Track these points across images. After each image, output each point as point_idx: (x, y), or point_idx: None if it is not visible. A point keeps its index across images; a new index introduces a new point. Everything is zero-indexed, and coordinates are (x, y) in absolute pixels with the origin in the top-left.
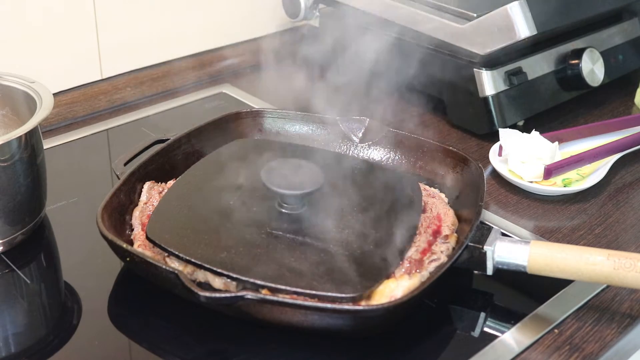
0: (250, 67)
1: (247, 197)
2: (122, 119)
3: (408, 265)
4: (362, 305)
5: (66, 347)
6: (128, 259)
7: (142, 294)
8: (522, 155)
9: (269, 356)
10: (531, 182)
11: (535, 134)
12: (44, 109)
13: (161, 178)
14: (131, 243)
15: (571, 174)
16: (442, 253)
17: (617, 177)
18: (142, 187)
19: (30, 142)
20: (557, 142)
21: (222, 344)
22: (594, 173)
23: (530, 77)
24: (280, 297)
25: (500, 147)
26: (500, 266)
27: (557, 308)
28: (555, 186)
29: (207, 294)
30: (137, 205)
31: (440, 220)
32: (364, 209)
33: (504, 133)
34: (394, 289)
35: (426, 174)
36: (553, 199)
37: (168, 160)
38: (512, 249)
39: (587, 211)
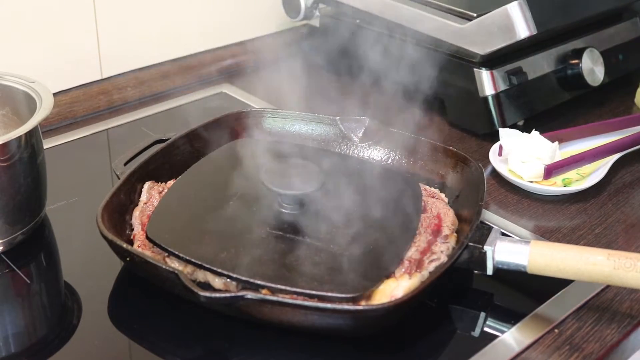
0: (250, 67)
1: (247, 197)
2: (122, 119)
3: (408, 265)
4: (362, 305)
5: (66, 347)
6: (128, 259)
7: (142, 294)
8: (522, 155)
9: (269, 356)
10: (531, 182)
11: (535, 133)
12: (44, 109)
13: (161, 178)
14: (131, 243)
15: (571, 174)
16: (442, 253)
17: (617, 177)
18: (142, 187)
19: (30, 142)
20: (557, 142)
21: (222, 344)
22: (594, 173)
23: (530, 77)
24: (280, 297)
25: (500, 147)
26: (500, 266)
27: (557, 308)
28: (555, 186)
29: (207, 294)
30: (137, 205)
31: (440, 220)
32: (363, 209)
33: (504, 133)
34: (394, 289)
35: (426, 174)
36: (553, 198)
37: (168, 160)
38: (512, 249)
39: (587, 211)
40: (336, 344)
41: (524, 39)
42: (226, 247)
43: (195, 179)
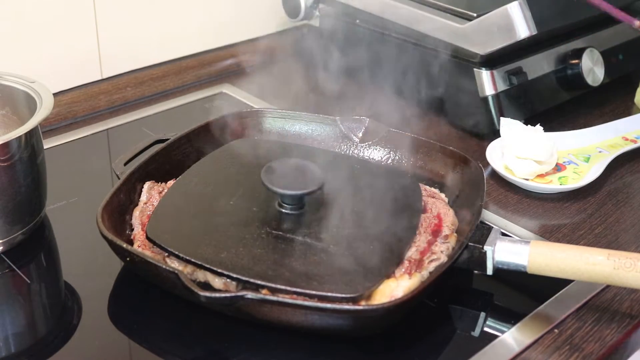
0: (250, 67)
1: (247, 197)
2: (122, 119)
3: (408, 265)
4: (362, 305)
5: (66, 347)
6: (128, 259)
7: (142, 294)
8: (518, 150)
9: (269, 356)
10: (526, 179)
11: (539, 128)
12: (44, 109)
13: (161, 178)
14: (131, 243)
15: (567, 172)
16: (442, 253)
17: (617, 177)
18: (142, 187)
19: (30, 142)
20: (554, 143)
21: (223, 344)
22: (590, 171)
23: (530, 77)
24: (280, 297)
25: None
26: (500, 266)
27: (557, 308)
28: (552, 184)
29: (207, 294)
30: (137, 205)
31: (440, 220)
32: (363, 209)
33: (505, 122)
34: (394, 289)
35: (426, 174)
36: (553, 198)
37: (168, 160)
38: (512, 248)
39: (587, 211)
40: (336, 344)
41: (524, 39)
42: (226, 247)
43: (195, 179)
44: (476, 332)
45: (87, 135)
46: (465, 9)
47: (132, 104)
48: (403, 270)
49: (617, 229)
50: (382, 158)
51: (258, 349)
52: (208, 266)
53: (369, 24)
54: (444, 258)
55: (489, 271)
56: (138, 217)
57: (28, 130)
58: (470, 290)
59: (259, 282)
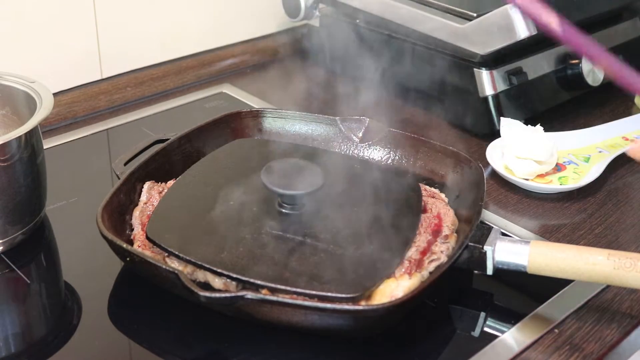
0: (250, 67)
1: (247, 197)
2: (122, 119)
3: (408, 265)
4: (362, 305)
5: (66, 347)
6: (128, 259)
7: (142, 294)
8: (518, 150)
9: (269, 356)
10: (526, 179)
11: (539, 128)
12: (44, 109)
13: (161, 178)
14: (131, 243)
15: (567, 172)
16: (442, 253)
17: (617, 177)
18: (142, 187)
19: (30, 142)
20: (554, 143)
21: (223, 344)
22: (590, 171)
23: (530, 77)
24: (280, 297)
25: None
26: (500, 266)
27: (557, 308)
28: (552, 184)
29: (207, 294)
30: (137, 205)
31: (440, 220)
32: (364, 209)
33: (505, 122)
34: (394, 289)
35: (426, 174)
36: (553, 198)
37: (168, 160)
38: (512, 248)
39: (587, 211)
40: (336, 344)
41: (524, 39)
42: (226, 247)
43: (195, 179)
44: (476, 332)
45: (87, 135)
46: (465, 9)
47: (132, 104)
48: (403, 270)
49: (617, 229)
50: (382, 158)
51: (258, 349)
52: (208, 266)
53: (369, 24)
54: (444, 258)
55: (489, 271)
56: (138, 217)
57: (28, 130)
58: (470, 290)
59: (259, 282)
